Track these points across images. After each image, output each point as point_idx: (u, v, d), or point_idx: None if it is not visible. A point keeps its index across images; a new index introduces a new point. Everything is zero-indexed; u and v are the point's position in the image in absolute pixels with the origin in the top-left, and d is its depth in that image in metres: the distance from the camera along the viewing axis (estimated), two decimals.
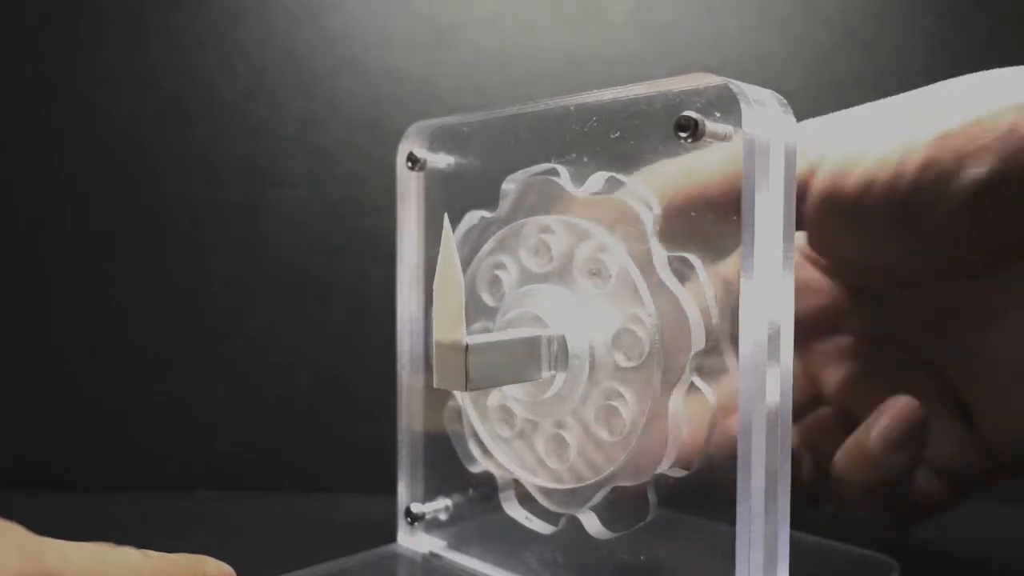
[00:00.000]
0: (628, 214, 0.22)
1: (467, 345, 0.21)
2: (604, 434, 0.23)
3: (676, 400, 0.21)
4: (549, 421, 0.24)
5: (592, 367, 0.23)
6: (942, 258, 0.25)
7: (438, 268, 0.21)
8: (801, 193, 0.24)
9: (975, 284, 0.26)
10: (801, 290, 0.28)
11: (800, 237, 0.28)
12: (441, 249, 0.21)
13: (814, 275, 0.29)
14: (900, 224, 0.24)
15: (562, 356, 0.23)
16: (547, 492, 0.25)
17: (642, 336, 0.21)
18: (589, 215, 0.23)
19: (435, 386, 0.22)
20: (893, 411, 0.25)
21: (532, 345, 0.22)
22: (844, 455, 0.26)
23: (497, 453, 0.25)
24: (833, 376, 0.29)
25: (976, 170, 0.23)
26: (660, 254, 0.21)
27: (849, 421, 0.28)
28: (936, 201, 0.23)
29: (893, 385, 0.27)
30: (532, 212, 0.24)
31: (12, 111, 0.41)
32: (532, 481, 0.25)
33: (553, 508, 0.24)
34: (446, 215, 0.22)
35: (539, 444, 0.24)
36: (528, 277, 0.24)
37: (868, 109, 0.26)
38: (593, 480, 0.23)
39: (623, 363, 0.22)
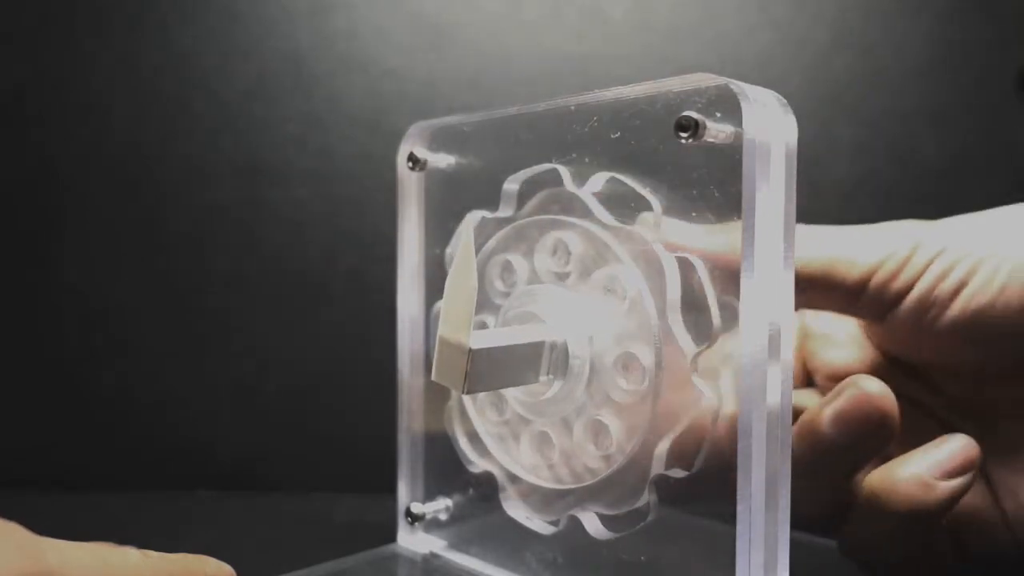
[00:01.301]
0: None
1: (471, 349, 0.20)
2: (591, 447, 0.23)
3: (663, 446, 0.21)
4: (539, 421, 0.24)
5: (590, 380, 0.23)
6: (987, 363, 0.25)
7: (454, 265, 0.21)
8: (858, 289, 0.25)
9: (1011, 382, 0.26)
10: (848, 343, 0.29)
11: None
12: (460, 247, 0.21)
13: (860, 334, 0.29)
14: (983, 326, 0.24)
15: (562, 363, 0.23)
16: (525, 493, 0.25)
17: (645, 365, 0.21)
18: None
19: (432, 379, 0.21)
20: (851, 392, 0.24)
21: (534, 350, 0.22)
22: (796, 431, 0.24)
23: (483, 435, 0.25)
24: None
25: None
26: (675, 291, 0.21)
27: None
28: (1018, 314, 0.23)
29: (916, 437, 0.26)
30: (549, 213, 0.24)
31: (12, 111, 0.41)
32: (511, 469, 0.25)
33: (520, 505, 0.25)
34: (469, 215, 0.22)
35: (524, 439, 0.25)
36: (538, 277, 0.24)
37: (946, 223, 0.26)
38: (572, 487, 0.24)
39: (622, 385, 0.22)
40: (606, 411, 0.22)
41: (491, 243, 0.25)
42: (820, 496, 0.24)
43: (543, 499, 0.24)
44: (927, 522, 0.23)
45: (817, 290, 0.25)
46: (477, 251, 0.25)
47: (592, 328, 0.22)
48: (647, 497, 0.22)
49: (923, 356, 0.27)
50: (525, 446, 0.25)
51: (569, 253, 0.23)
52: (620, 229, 0.22)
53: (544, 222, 0.24)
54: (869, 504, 0.24)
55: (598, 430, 0.23)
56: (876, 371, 0.27)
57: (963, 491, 0.23)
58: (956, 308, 0.24)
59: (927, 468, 0.23)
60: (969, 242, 0.24)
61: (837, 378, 0.26)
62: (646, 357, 0.21)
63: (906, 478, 0.23)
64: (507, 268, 0.25)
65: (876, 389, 0.23)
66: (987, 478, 0.26)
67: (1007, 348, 0.25)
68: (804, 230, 0.25)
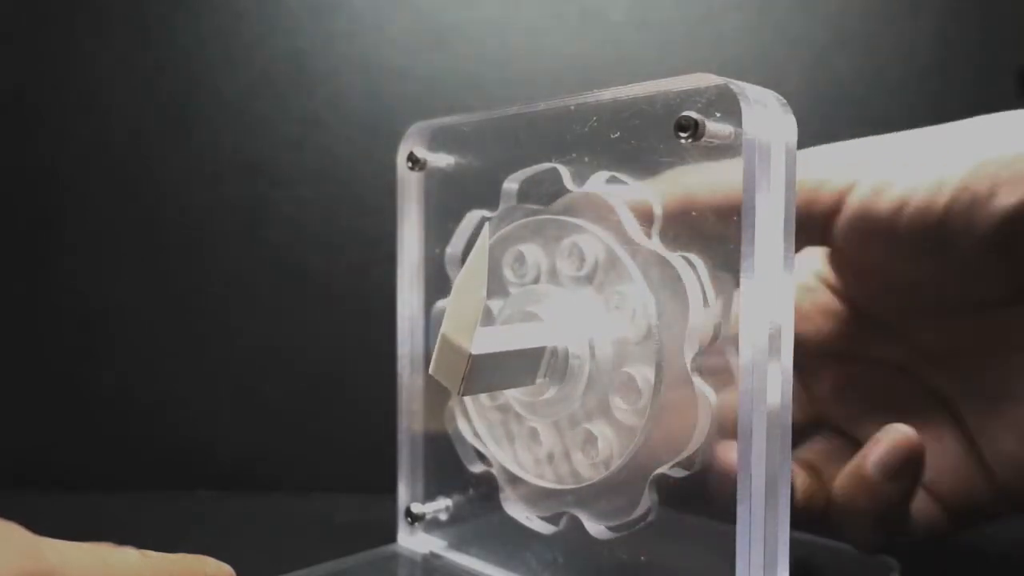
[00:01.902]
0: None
1: (471, 355, 0.20)
2: (579, 455, 0.23)
3: (658, 472, 0.21)
4: (532, 418, 0.24)
5: (587, 390, 0.23)
6: (966, 287, 0.25)
7: (466, 269, 0.21)
8: (833, 211, 0.25)
9: (991, 319, 0.26)
10: (814, 314, 0.29)
11: (819, 260, 0.29)
12: (475, 252, 0.21)
13: (829, 299, 0.29)
14: (928, 249, 0.24)
15: (560, 369, 0.23)
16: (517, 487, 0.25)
17: (642, 391, 0.21)
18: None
19: (429, 372, 0.21)
20: (890, 439, 0.25)
21: (535, 355, 0.22)
22: (843, 481, 0.25)
23: (475, 419, 0.25)
24: (838, 400, 0.29)
25: (1009, 199, 0.23)
26: (697, 320, 0.21)
27: (851, 446, 0.27)
28: (966, 227, 0.23)
29: (899, 412, 0.26)
30: (576, 215, 0.24)
31: (12, 111, 0.41)
32: (504, 462, 0.25)
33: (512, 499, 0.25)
34: (487, 224, 0.22)
35: (517, 433, 0.25)
36: (556, 275, 0.24)
37: (903, 137, 0.26)
38: (556, 487, 0.24)
39: (618, 404, 0.22)
40: (598, 423, 0.23)
41: (507, 230, 0.25)
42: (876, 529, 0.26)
43: (534, 495, 0.25)
44: (888, 513, 0.25)
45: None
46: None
47: (595, 339, 0.22)
48: (640, 511, 0.22)
49: (883, 271, 0.26)
50: (518, 440, 0.25)
51: (583, 260, 0.23)
52: (639, 245, 0.22)
53: (564, 224, 0.23)
54: (835, 509, 0.25)
55: (587, 439, 0.23)
56: (837, 320, 0.28)
57: (910, 486, 0.25)
58: (904, 225, 0.24)
59: (872, 472, 0.25)
60: (891, 159, 0.25)
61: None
62: (645, 380, 0.21)
63: (857, 484, 0.25)
64: (519, 259, 0.25)
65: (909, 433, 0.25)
66: (965, 430, 0.27)
67: (959, 259, 0.24)
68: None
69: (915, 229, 0.24)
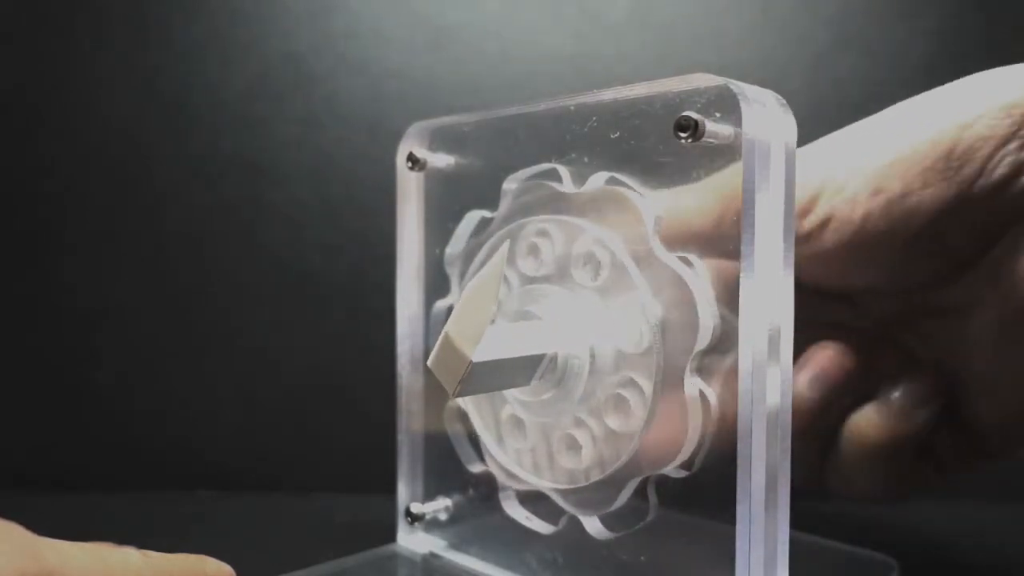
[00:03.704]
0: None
1: (472, 362, 0.20)
2: (562, 458, 0.23)
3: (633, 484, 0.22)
4: (526, 414, 0.24)
5: (583, 399, 0.23)
6: (901, 277, 0.25)
7: (480, 276, 0.21)
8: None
9: (939, 293, 0.26)
10: None
11: None
12: (492, 263, 0.21)
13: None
14: (859, 252, 0.24)
15: (558, 374, 0.23)
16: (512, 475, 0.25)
17: (641, 398, 0.21)
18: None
19: (427, 364, 0.21)
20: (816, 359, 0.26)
21: (533, 362, 0.22)
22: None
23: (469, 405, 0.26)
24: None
25: (923, 193, 0.23)
26: (704, 341, 0.21)
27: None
28: (888, 228, 0.23)
29: (889, 376, 0.26)
30: (593, 203, 0.23)
31: (12, 111, 0.41)
32: (489, 443, 0.25)
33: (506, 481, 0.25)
34: (507, 242, 0.22)
35: (502, 417, 0.25)
36: (558, 274, 0.24)
37: (835, 138, 0.26)
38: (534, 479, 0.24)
39: (611, 423, 0.22)
40: (593, 427, 0.23)
41: (524, 220, 0.25)
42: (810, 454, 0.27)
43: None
44: (910, 445, 0.26)
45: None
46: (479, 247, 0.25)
47: (595, 345, 0.22)
48: (620, 502, 0.22)
49: (826, 282, 0.26)
50: (503, 424, 0.25)
51: (599, 272, 0.23)
52: (647, 252, 0.22)
53: (582, 227, 0.23)
54: (856, 442, 0.26)
55: (571, 445, 0.23)
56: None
57: (937, 412, 0.26)
58: (829, 241, 0.24)
59: (901, 400, 0.25)
60: (817, 171, 0.24)
61: None
62: (644, 387, 0.21)
63: (886, 413, 0.26)
64: (534, 250, 0.24)
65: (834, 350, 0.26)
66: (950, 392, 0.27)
67: (892, 258, 0.24)
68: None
69: (840, 244, 0.24)
